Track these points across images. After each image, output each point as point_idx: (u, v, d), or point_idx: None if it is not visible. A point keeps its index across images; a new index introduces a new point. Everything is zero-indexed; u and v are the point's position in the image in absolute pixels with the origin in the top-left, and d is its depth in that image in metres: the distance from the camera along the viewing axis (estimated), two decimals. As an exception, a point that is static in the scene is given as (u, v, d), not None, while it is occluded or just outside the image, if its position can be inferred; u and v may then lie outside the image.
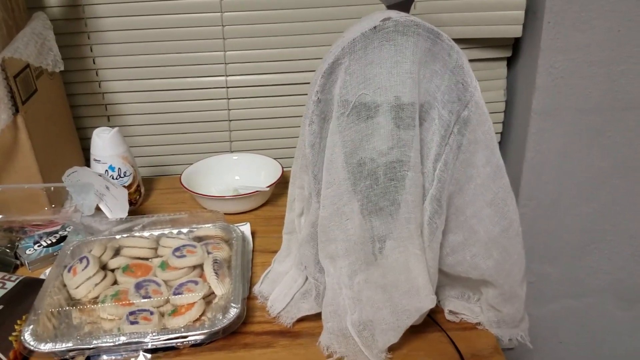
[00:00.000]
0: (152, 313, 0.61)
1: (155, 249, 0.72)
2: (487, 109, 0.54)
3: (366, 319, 0.58)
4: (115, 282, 0.67)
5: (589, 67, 0.91)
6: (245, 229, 0.81)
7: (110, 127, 0.84)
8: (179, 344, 0.59)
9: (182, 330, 0.59)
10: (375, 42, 0.52)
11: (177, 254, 0.68)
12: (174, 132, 1.01)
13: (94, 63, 0.95)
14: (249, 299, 0.67)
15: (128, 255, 0.71)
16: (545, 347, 1.19)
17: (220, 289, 0.64)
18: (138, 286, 0.64)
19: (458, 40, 0.56)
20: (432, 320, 0.63)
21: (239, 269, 0.68)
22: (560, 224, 1.04)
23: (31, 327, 0.59)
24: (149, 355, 0.58)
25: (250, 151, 1.01)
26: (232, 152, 1.03)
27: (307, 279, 0.65)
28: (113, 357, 0.58)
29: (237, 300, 0.62)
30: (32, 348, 0.57)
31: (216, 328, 0.59)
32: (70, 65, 0.93)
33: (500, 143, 1.06)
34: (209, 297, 0.64)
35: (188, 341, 0.59)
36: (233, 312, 0.61)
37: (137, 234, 0.75)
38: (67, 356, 0.57)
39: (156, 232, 0.76)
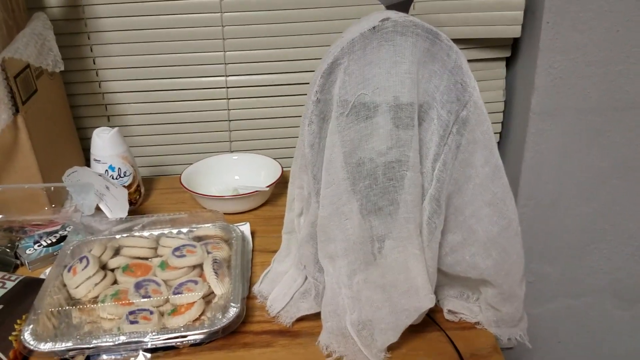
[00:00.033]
0: (151, 312, 0.61)
1: (155, 248, 0.72)
2: (486, 109, 0.55)
3: (365, 319, 0.58)
4: (115, 282, 0.67)
5: (588, 67, 0.91)
6: (245, 228, 0.81)
7: (110, 127, 0.84)
8: (178, 344, 0.59)
9: (182, 329, 0.59)
10: (374, 43, 0.52)
11: (177, 253, 0.68)
12: (173, 132, 1.01)
13: (94, 63, 0.95)
14: (248, 299, 0.67)
15: (128, 255, 0.71)
16: (545, 346, 1.19)
17: (219, 289, 0.64)
18: (138, 286, 0.64)
19: (457, 41, 0.56)
20: (431, 320, 0.63)
21: (238, 269, 0.68)
22: (560, 223, 1.04)
23: (31, 326, 0.59)
24: (148, 355, 0.59)
25: (250, 151, 1.01)
26: (231, 152, 1.03)
27: (306, 278, 0.65)
28: (113, 357, 0.58)
29: (237, 299, 0.63)
30: (32, 348, 0.57)
31: (216, 327, 0.59)
32: (71, 65, 0.93)
33: (499, 143, 1.06)
34: (208, 297, 0.64)
35: (188, 341, 0.59)
36: (232, 311, 0.61)
37: (137, 233, 0.75)
38: (67, 356, 0.57)
39: (156, 232, 0.76)
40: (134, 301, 0.62)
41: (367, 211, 0.57)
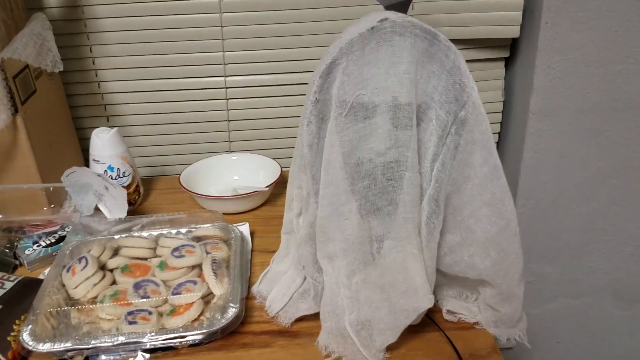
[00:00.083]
0: (150, 313, 0.61)
1: (154, 249, 0.72)
2: (484, 109, 0.55)
3: (364, 319, 0.58)
4: (114, 282, 0.67)
5: (587, 68, 0.91)
6: (244, 229, 0.81)
7: (109, 127, 0.84)
8: (177, 344, 0.59)
9: (181, 330, 0.59)
10: (372, 43, 0.52)
11: (176, 254, 0.68)
12: (173, 133, 1.01)
13: (93, 63, 0.95)
14: (247, 299, 0.67)
15: (127, 255, 0.71)
16: (544, 346, 1.20)
17: (218, 289, 0.64)
18: (137, 286, 0.64)
19: (456, 41, 0.56)
20: (430, 320, 0.63)
21: (237, 269, 0.68)
22: (559, 224, 1.04)
23: (30, 327, 0.59)
24: (147, 355, 0.59)
25: (249, 151, 1.01)
26: (231, 152, 1.03)
27: (305, 278, 0.65)
28: (111, 357, 0.58)
29: (236, 300, 0.63)
30: (30, 348, 0.57)
31: (215, 328, 0.59)
32: (70, 65, 0.93)
33: (498, 143, 1.06)
34: (207, 297, 0.64)
35: (186, 341, 0.59)
36: (231, 312, 0.61)
37: (136, 234, 0.75)
38: (66, 356, 0.57)
39: (155, 232, 0.76)
40: (133, 301, 0.62)
41: (366, 211, 0.57)
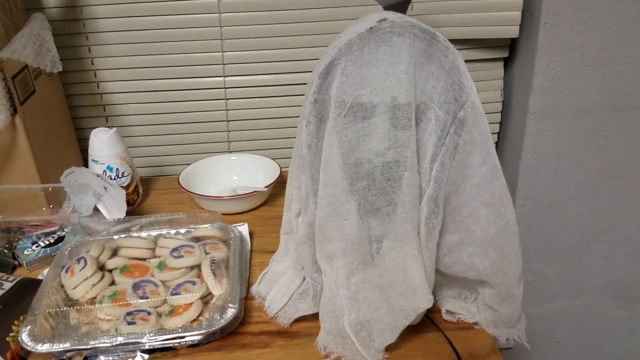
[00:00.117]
0: (149, 313, 0.61)
1: (153, 249, 0.72)
2: (483, 109, 0.55)
3: (363, 319, 0.58)
4: (112, 283, 0.67)
5: (586, 68, 0.91)
6: (243, 229, 0.81)
7: (108, 127, 0.84)
8: (176, 345, 0.59)
9: (180, 330, 0.59)
10: (371, 43, 0.52)
11: (175, 254, 0.68)
12: (172, 133, 1.01)
13: (92, 64, 0.95)
14: (246, 299, 0.67)
15: (126, 256, 0.71)
16: (543, 346, 1.20)
17: (217, 289, 0.64)
18: (136, 286, 0.64)
19: (455, 41, 0.56)
20: (429, 320, 0.63)
21: (236, 269, 0.68)
22: (558, 224, 1.04)
23: (28, 327, 0.59)
24: (146, 356, 0.58)
25: (249, 151, 1.01)
26: (230, 152, 1.03)
27: (304, 279, 0.65)
28: (110, 358, 0.58)
29: (235, 300, 0.63)
30: (29, 349, 0.57)
31: (214, 328, 0.59)
32: (69, 65, 0.93)
33: (497, 143, 1.06)
34: (206, 298, 0.64)
35: (185, 341, 0.59)
36: (230, 312, 0.61)
37: (134, 234, 0.75)
38: (65, 357, 0.57)
39: (154, 233, 0.76)
40: (132, 302, 0.62)
41: (365, 211, 0.57)
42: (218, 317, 0.60)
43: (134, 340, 0.58)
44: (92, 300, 0.64)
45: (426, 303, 0.58)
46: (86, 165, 0.88)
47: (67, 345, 0.57)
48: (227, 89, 0.98)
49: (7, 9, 0.77)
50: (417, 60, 0.53)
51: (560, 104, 0.94)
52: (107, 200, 0.79)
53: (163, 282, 0.66)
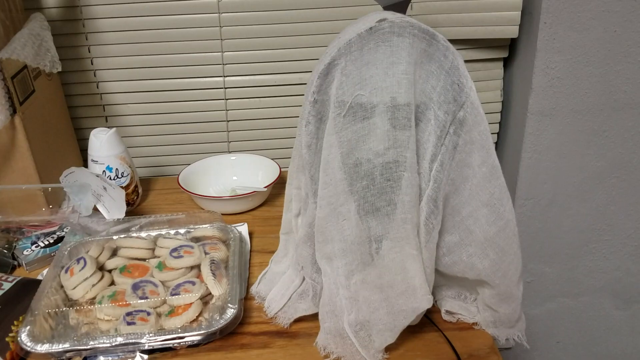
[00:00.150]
0: (149, 314, 0.61)
1: (153, 249, 0.72)
2: (483, 109, 0.55)
3: (363, 319, 0.58)
4: (112, 283, 0.67)
5: (585, 68, 0.91)
6: (243, 229, 0.81)
7: (108, 127, 0.84)
8: (176, 345, 0.59)
9: (179, 330, 0.59)
10: (371, 43, 0.52)
11: (175, 254, 0.68)
12: (171, 133, 1.01)
13: (91, 64, 0.95)
14: (246, 300, 0.67)
15: (125, 256, 0.71)
16: (543, 346, 1.20)
17: (217, 290, 0.64)
18: (135, 287, 0.64)
19: (455, 41, 0.56)
20: (429, 320, 0.63)
21: (236, 270, 0.68)
22: (558, 223, 1.05)
23: (28, 328, 0.59)
24: (145, 356, 0.58)
25: (248, 151, 1.01)
26: (229, 152, 1.03)
27: (304, 279, 0.65)
28: (110, 358, 0.58)
29: (234, 300, 0.63)
30: (28, 349, 0.57)
31: (213, 329, 0.59)
32: (68, 65, 0.93)
33: (496, 143, 1.06)
34: (206, 298, 0.64)
35: (185, 342, 0.59)
36: (230, 312, 0.61)
37: (134, 234, 0.75)
38: (64, 357, 0.57)
39: (153, 233, 0.76)
40: (131, 302, 0.62)
41: (364, 212, 0.57)
42: (218, 318, 0.60)
43: (133, 341, 0.58)
44: (92, 301, 0.63)
45: (426, 303, 0.58)
46: (86, 165, 0.88)
47: (66, 346, 0.57)
48: (227, 89, 0.98)
49: (7, 9, 0.77)
50: (417, 60, 0.53)
51: (559, 103, 0.94)
52: (106, 200, 0.79)
53: (163, 283, 0.66)
